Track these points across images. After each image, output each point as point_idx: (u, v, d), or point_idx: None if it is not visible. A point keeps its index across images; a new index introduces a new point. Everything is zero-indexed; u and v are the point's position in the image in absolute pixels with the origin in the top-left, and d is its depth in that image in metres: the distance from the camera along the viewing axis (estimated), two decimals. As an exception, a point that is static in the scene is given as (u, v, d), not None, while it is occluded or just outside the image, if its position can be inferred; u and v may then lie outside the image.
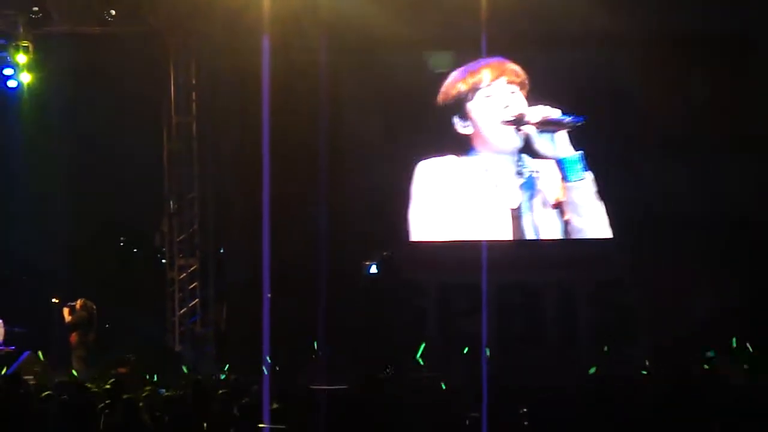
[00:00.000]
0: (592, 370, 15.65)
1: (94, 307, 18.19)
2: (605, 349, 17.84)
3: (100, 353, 18.09)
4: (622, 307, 18.73)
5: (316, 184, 18.46)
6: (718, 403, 11.11)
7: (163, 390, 13.92)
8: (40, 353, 17.61)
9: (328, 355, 17.33)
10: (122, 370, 17.37)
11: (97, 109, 19.18)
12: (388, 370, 16.14)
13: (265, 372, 14.49)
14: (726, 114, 18.60)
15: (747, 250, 18.49)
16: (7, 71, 18.91)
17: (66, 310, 18.24)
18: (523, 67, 18.76)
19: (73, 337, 18.02)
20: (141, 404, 11.34)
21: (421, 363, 17.38)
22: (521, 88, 18.70)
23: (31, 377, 15.78)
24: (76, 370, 17.34)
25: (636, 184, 18.81)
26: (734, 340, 16.90)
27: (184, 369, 17.30)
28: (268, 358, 15.18)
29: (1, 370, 16.83)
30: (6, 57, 18.88)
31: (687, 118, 18.68)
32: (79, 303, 18.14)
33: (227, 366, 17.41)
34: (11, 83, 19.05)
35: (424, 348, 17.82)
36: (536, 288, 19.06)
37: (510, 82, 18.75)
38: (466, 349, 17.21)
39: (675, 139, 18.70)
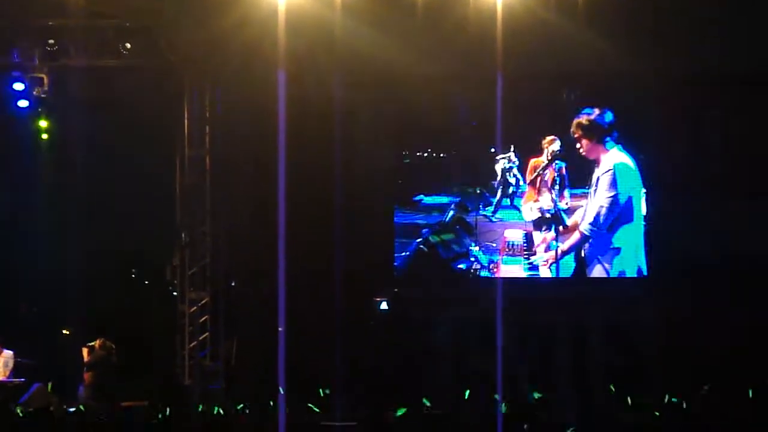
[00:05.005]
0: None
1: (114, 347, 18.07)
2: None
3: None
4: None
5: (331, 219, 18.45)
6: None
7: None
8: (49, 385, 17.51)
9: (338, 394, 17.22)
10: (127, 404, 17.23)
11: (110, 140, 19.17)
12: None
13: (281, 405, 14.40)
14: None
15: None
16: (17, 86, 18.79)
17: (85, 350, 18.12)
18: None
19: (87, 377, 17.87)
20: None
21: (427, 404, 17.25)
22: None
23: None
24: (85, 407, 17.21)
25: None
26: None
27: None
28: (282, 389, 15.11)
29: (13, 401, 16.75)
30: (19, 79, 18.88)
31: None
32: (98, 342, 18.04)
33: (241, 405, 17.31)
34: (22, 103, 19.01)
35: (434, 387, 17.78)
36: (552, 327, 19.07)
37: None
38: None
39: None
